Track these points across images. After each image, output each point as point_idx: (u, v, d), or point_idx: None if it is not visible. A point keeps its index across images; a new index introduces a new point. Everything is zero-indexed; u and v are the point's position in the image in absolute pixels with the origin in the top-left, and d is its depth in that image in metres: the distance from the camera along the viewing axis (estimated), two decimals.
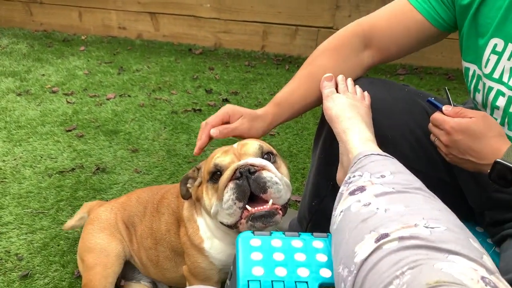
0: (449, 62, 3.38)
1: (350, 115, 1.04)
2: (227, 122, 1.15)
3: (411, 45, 1.18)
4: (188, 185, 1.17)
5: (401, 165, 0.84)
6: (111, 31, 3.69)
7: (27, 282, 1.46)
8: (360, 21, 1.22)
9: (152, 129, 2.43)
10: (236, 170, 1.00)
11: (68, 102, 2.69)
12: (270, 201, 1.00)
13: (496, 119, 1.05)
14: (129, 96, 2.80)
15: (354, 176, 0.83)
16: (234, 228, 1.03)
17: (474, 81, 1.11)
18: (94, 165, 2.08)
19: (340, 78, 1.17)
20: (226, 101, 2.78)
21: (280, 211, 1.01)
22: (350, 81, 1.18)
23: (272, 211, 0.99)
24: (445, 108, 0.99)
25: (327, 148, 1.24)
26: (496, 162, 0.89)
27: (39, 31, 3.80)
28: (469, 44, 1.10)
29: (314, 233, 0.95)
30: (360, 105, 1.09)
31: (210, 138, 1.12)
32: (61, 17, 3.72)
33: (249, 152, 1.07)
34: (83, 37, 3.71)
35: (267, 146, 1.11)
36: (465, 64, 1.14)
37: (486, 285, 0.54)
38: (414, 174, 0.86)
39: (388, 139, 1.12)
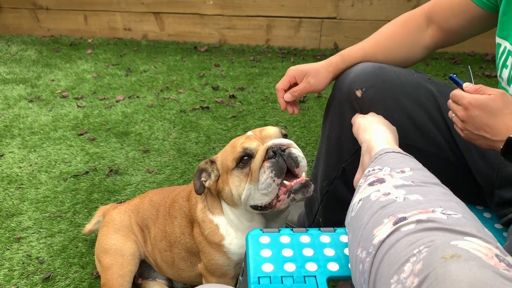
0: (455, 46, 3.35)
1: (376, 122, 1.10)
2: (295, 84, 1.27)
3: (461, 25, 1.22)
4: (203, 178, 1.19)
5: (419, 163, 0.87)
6: (117, 33, 3.73)
7: (49, 284, 1.52)
8: (423, 5, 1.31)
9: (161, 129, 2.47)
10: (268, 150, 1.06)
11: (78, 106, 2.74)
12: (303, 174, 1.08)
13: None
14: (137, 97, 2.85)
15: (373, 170, 0.85)
16: (268, 208, 1.08)
17: (504, 57, 1.12)
18: (107, 167, 2.13)
19: None
20: (233, 97, 2.80)
21: (311, 183, 1.08)
22: None
23: (308, 182, 1.06)
24: (465, 85, 1.01)
25: (336, 127, 1.27)
26: (509, 139, 0.90)
27: (47, 36, 3.86)
28: (504, 19, 1.11)
29: (322, 228, 0.98)
30: (389, 124, 1.13)
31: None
32: (68, 22, 3.77)
33: (271, 134, 1.14)
34: (89, 40, 3.76)
35: (283, 130, 1.19)
36: (498, 40, 1.15)
37: (500, 262, 0.56)
38: (420, 154, 0.90)
39: (394, 119, 1.16)
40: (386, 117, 1.15)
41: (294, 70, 1.26)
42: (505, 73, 1.11)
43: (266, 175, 1.04)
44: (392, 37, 1.26)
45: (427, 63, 3.25)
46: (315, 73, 1.24)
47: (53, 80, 3.10)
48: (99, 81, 3.07)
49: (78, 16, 3.72)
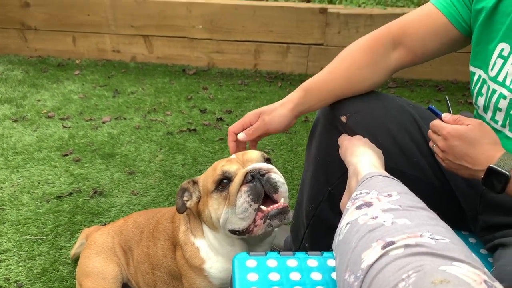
0: (438, 73, 3.43)
1: (363, 146, 1.10)
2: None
3: (436, 48, 1.22)
4: (185, 198, 1.18)
5: (406, 187, 0.88)
6: (105, 54, 3.74)
7: None
8: (389, 25, 1.26)
9: (148, 151, 2.45)
10: (247, 174, 1.05)
11: (64, 127, 2.71)
12: (282, 199, 1.06)
13: (497, 121, 1.11)
14: (124, 118, 2.83)
15: (361, 193, 0.86)
16: (246, 233, 1.06)
17: (478, 85, 1.16)
18: (91, 189, 2.10)
19: None
20: (220, 120, 2.81)
21: (289, 209, 1.06)
22: None
23: (286, 208, 1.05)
24: (444, 115, 1.05)
25: (322, 150, 1.27)
26: (489, 167, 0.93)
27: (34, 57, 3.85)
28: (478, 49, 1.15)
29: (309, 252, 0.97)
30: (375, 147, 1.13)
31: (240, 142, 1.22)
32: (56, 43, 3.77)
33: (253, 158, 1.13)
34: (77, 61, 3.76)
35: (266, 154, 1.17)
36: (472, 69, 1.19)
37: None
38: (404, 178, 0.91)
39: (378, 142, 1.17)
40: (371, 140, 1.17)
41: (250, 113, 1.22)
42: (481, 101, 1.14)
43: (243, 199, 1.03)
44: (357, 64, 1.21)
45: (411, 90, 3.32)
46: (269, 111, 1.20)
47: (39, 100, 3.08)
48: (86, 102, 3.05)
49: (67, 37, 3.72)
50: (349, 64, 1.22)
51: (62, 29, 3.69)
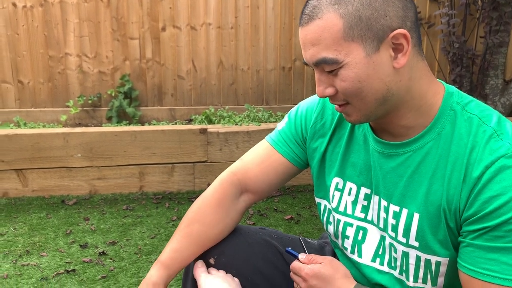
0: None
1: (221, 281, 1.13)
2: None
3: (279, 183, 1.31)
4: None
5: None
6: None
7: None
8: (233, 170, 1.29)
9: None
10: None
11: None
12: None
13: (346, 248, 1.19)
14: None
15: None
16: None
17: (326, 214, 1.26)
18: None
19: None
20: (103, 254, 2.65)
21: None
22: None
23: None
24: (300, 256, 1.13)
25: None
26: None
27: None
28: (319, 182, 1.27)
29: None
30: (232, 281, 1.15)
31: None
32: None
33: None
34: None
35: None
36: (317, 200, 1.29)
37: None
38: None
39: (248, 280, 1.20)
40: (241, 279, 1.20)
41: None
42: (331, 229, 1.25)
43: None
44: (208, 226, 1.22)
45: (293, 196, 3.51)
46: None
47: None
48: None
49: None
50: (203, 230, 1.23)
51: None
